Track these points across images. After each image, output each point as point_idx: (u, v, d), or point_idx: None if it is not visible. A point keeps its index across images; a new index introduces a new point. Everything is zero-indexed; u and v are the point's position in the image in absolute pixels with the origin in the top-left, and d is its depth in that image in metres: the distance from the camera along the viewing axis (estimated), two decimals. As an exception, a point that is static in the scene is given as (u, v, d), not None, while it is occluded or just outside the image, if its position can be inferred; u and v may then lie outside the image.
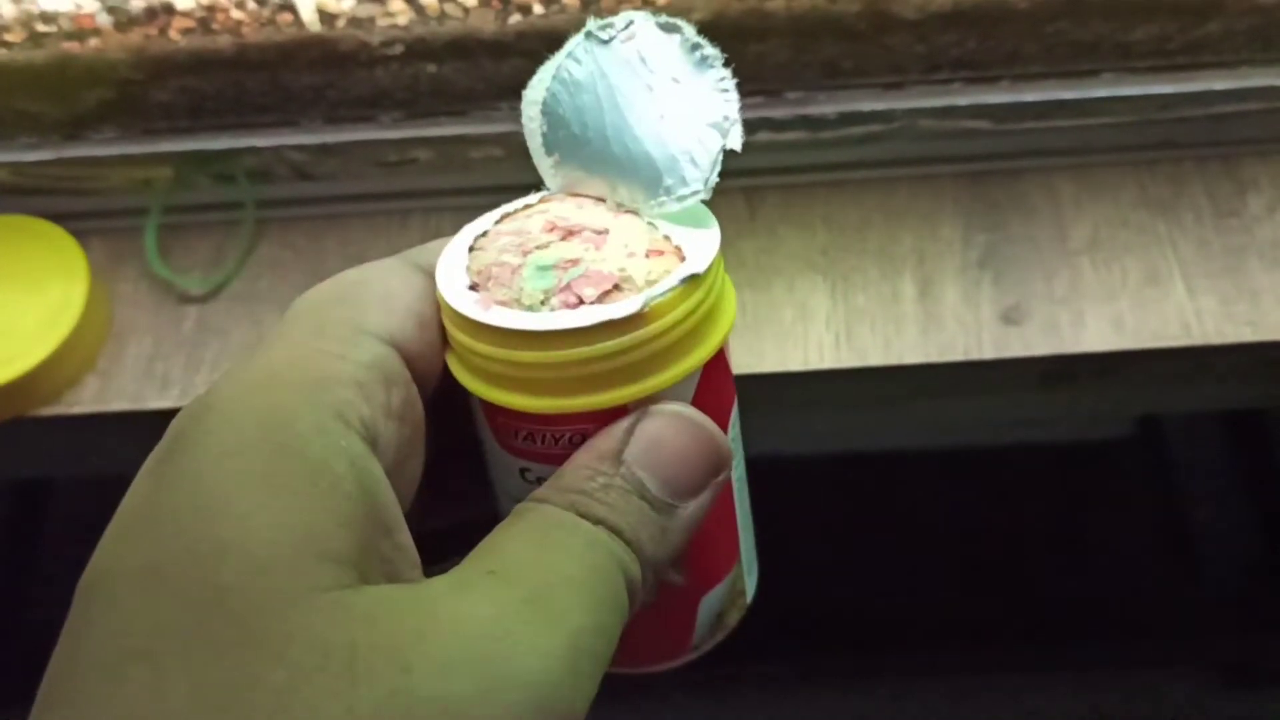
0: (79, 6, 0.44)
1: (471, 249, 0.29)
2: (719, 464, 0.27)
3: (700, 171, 0.30)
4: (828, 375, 0.48)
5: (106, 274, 0.51)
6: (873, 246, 0.51)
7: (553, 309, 0.28)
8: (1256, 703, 1.18)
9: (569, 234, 0.29)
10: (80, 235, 0.52)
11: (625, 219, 0.30)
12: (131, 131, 0.49)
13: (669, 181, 0.30)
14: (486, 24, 0.46)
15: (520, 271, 0.29)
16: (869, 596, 1.06)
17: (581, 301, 0.28)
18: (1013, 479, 1.07)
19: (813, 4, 0.46)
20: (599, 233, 0.30)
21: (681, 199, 0.29)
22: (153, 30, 0.45)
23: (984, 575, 1.05)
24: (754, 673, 1.03)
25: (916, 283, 0.50)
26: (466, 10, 0.45)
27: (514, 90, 0.49)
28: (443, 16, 0.45)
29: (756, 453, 0.31)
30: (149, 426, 0.49)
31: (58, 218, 0.52)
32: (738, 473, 0.31)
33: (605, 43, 0.29)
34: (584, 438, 0.27)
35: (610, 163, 0.30)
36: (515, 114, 0.49)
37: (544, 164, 0.30)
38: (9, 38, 0.45)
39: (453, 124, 0.49)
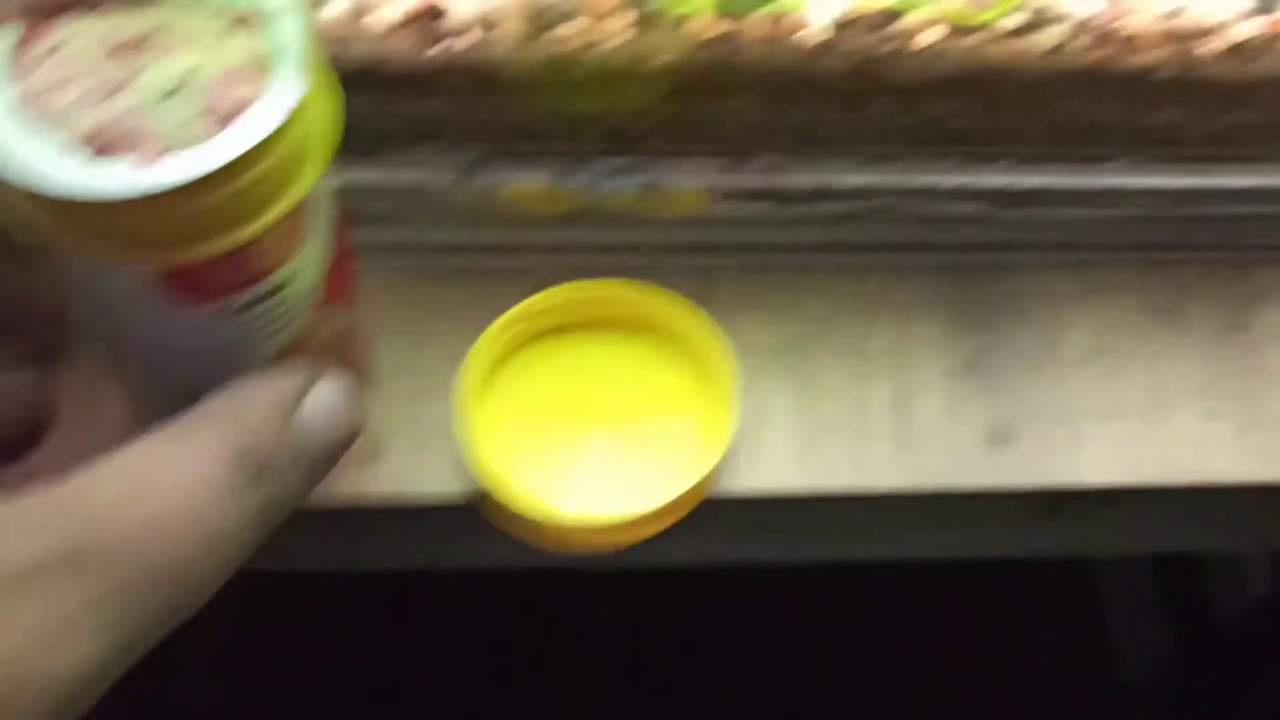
0: None
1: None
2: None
3: None
4: (783, 502, 0.40)
5: None
6: (841, 345, 0.43)
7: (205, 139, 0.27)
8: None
9: (136, 47, 0.29)
10: None
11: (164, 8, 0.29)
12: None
13: None
14: (402, 53, 0.37)
15: (141, 113, 0.28)
16: (784, 708, 0.98)
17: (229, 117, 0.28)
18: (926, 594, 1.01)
19: (792, 59, 0.39)
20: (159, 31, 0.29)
21: None
22: None
23: (902, 693, 0.99)
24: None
25: (892, 390, 0.43)
26: (379, 35, 0.37)
27: (433, 132, 0.41)
28: (349, 39, 0.37)
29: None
30: None
31: None
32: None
33: None
34: None
35: None
36: (431, 159, 0.41)
37: None
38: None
39: (359, 167, 0.41)
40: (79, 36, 0.29)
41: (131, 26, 0.29)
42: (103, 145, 0.27)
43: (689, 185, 0.42)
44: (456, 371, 0.40)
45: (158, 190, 0.27)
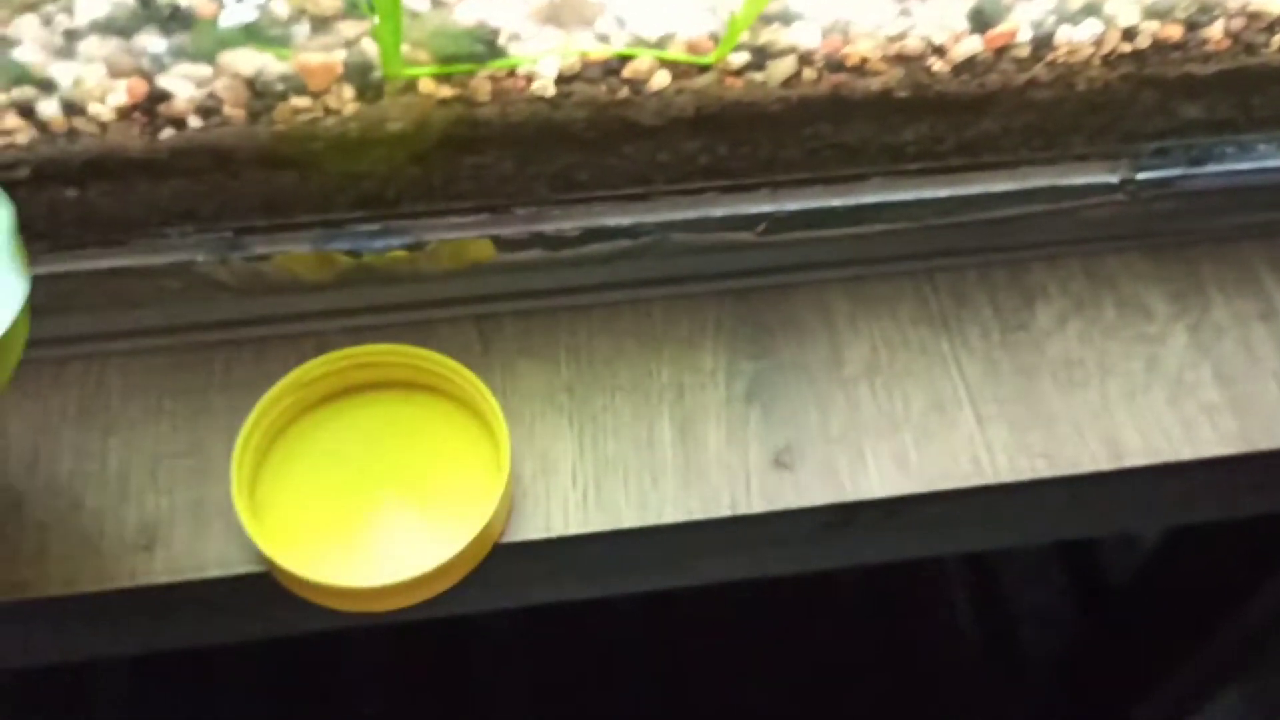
0: None
1: None
2: None
3: None
4: (573, 542, 0.41)
5: None
6: (625, 381, 0.44)
7: None
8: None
9: None
10: None
11: None
12: None
13: None
14: (131, 141, 0.37)
15: None
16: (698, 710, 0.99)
17: None
18: (818, 608, 1.02)
19: (532, 111, 0.39)
20: None
21: None
22: None
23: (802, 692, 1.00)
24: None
25: (675, 423, 0.43)
26: (103, 125, 0.37)
27: (183, 214, 0.41)
28: (73, 133, 0.37)
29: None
30: None
31: None
32: None
33: None
34: None
35: None
36: (186, 240, 0.41)
37: None
38: None
39: (111, 255, 0.41)
40: None
41: None
42: None
43: (456, 238, 0.42)
44: (233, 448, 0.40)
45: None
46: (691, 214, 0.43)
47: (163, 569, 0.39)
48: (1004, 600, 1.07)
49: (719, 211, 0.44)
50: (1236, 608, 0.87)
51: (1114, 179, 0.46)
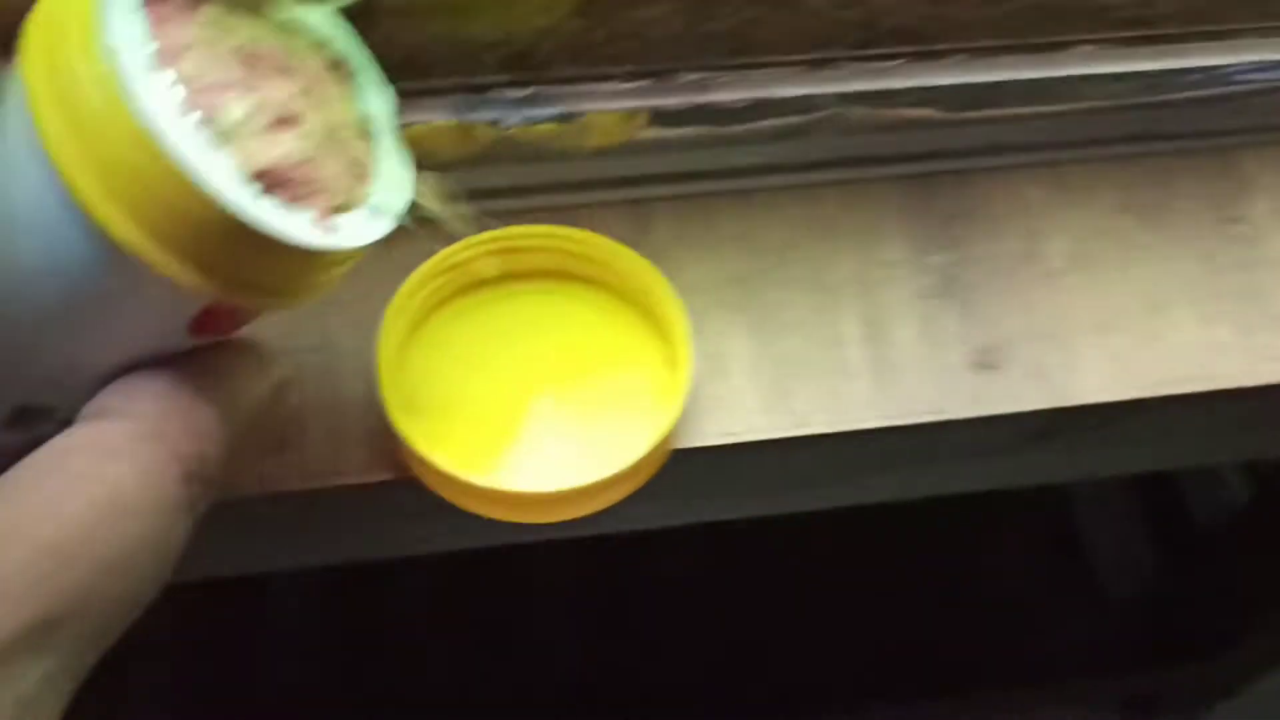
0: None
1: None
2: None
3: None
4: (753, 449, 0.36)
5: None
6: (800, 274, 0.39)
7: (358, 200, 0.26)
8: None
9: (255, 65, 0.25)
10: None
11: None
12: None
13: None
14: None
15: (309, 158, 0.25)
16: (766, 655, 0.94)
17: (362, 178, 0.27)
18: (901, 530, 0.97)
19: (715, -49, 0.34)
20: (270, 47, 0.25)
21: None
22: None
23: (882, 630, 0.95)
24: None
25: (861, 319, 0.38)
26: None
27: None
28: None
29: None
30: None
31: None
32: None
33: None
34: None
35: None
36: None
37: None
38: None
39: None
40: (206, 32, 0.24)
41: (241, 34, 0.25)
42: (272, 184, 0.24)
43: (611, 110, 0.37)
44: (367, 341, 0.35)
45: (331, 249, 0.25)
46: (872, 85, 0.38)
47: (296, 475, 0.34)
48: (1083, 539, 1.02)
49: (902, 83, 0.39)
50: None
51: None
